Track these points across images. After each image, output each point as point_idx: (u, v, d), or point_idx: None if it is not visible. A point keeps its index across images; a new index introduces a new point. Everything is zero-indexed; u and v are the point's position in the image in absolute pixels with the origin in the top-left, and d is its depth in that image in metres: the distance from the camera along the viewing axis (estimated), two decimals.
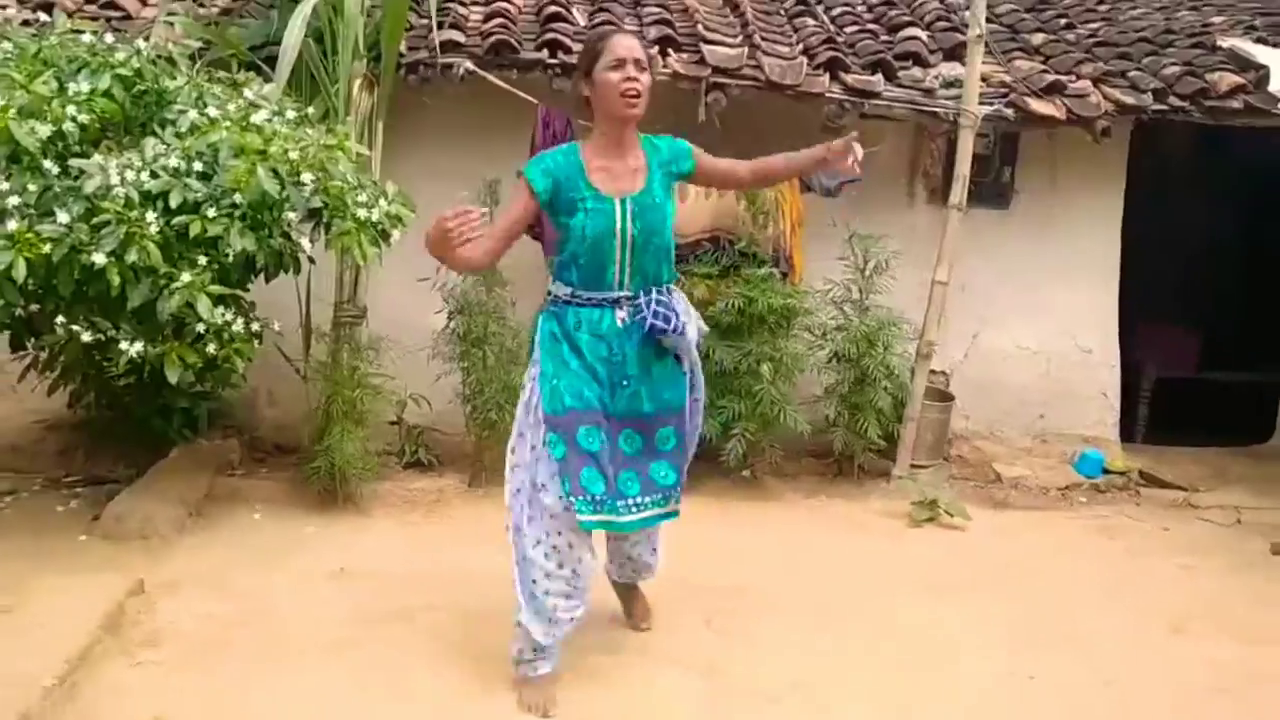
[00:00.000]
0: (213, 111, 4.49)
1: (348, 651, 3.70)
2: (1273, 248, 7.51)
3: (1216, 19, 7.35)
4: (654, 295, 3.30)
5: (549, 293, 3.41)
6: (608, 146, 3.28)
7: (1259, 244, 8.06)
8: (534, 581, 3.27)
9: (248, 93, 4.67)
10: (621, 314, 3.28)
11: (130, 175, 4.13)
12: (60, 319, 4.24)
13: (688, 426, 3.48)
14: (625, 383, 3.31)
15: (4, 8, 5.30)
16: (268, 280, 4.80)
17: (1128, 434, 7.13)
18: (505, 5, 6.17)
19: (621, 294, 3.28)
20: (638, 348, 3.30)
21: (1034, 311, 6.62)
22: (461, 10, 6.14)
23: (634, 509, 3.31)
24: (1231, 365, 7.76)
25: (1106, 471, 6.27)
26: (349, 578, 4.37)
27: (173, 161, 4.25)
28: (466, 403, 5.59)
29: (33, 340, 4.79)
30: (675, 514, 3.45)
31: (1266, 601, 4.60)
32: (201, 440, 5.59)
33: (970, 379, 6.54)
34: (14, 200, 4.05)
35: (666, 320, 3.26)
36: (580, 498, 3.17)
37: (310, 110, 4.99)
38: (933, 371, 6.14)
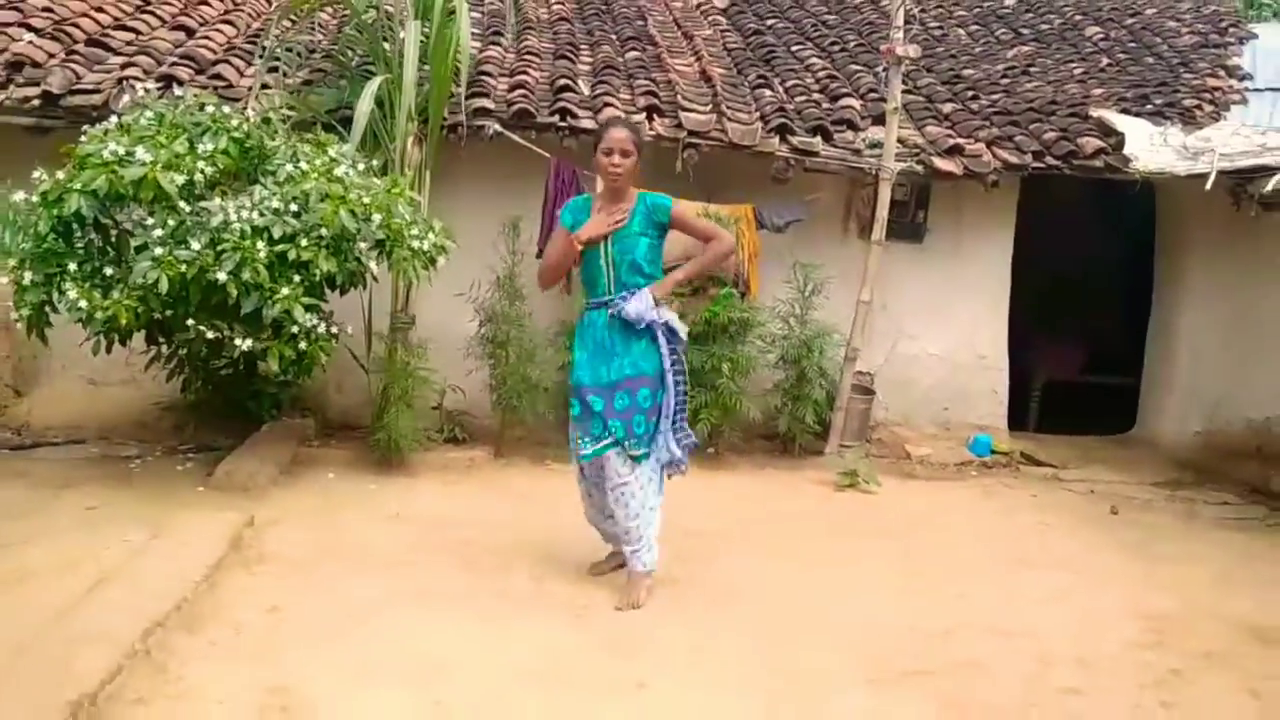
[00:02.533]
0: (304, 165, 5.26)
1: (407, 568, 4.48)
2: (1144, 273, 8.30)
3: (1096, 90, 8.16)
4: (621, 294, 4.12)
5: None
6: (606, 197, 4.24)
7: (1134, 270, 8.85)
8: None
9: (331, 151, 5.45)
10: (611, 311, 4.13)
11: (244, 214, 4.93)
12: (190, 321, 5.02)
13: (666, 390, 4.14)
14: (614, 355, 4.13)
15: (141, 81, 6.05)
16: (341, 294, 5.59)
17: (1022, 425, 7.96)
18: (525, 78, 6.96)
19: (609, 298, 4.15)
20: (620, 332, 4.13)
21: (941, 325, 7.44)
22: (491, 81, 6.91)
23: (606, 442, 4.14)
24: (1109, 370, 8.57)
25: (994, 452, 7.08)
26: (403, 520, 5.15)
27: (274, 204, 5.03)
28: (493, 391, 6.38)
29: (162, 339, 5.58)
30: (635, 457, 4.13)
31: (1094, 547, 5.40)
32: (285, 419, 6.40)
33: (889, 378, 7.33)
34: (158, 232, 4.85)
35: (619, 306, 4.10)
36: (582, 439, 4.19)
37: (375, 163, 5.78)
38: (859, 372, 6.94)
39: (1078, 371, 8.67)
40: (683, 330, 4.23)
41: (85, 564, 4.08)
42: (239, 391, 6.24)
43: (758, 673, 3.67)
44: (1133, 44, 9.65)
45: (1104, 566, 5.09)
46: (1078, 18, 10.38)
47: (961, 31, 9.90)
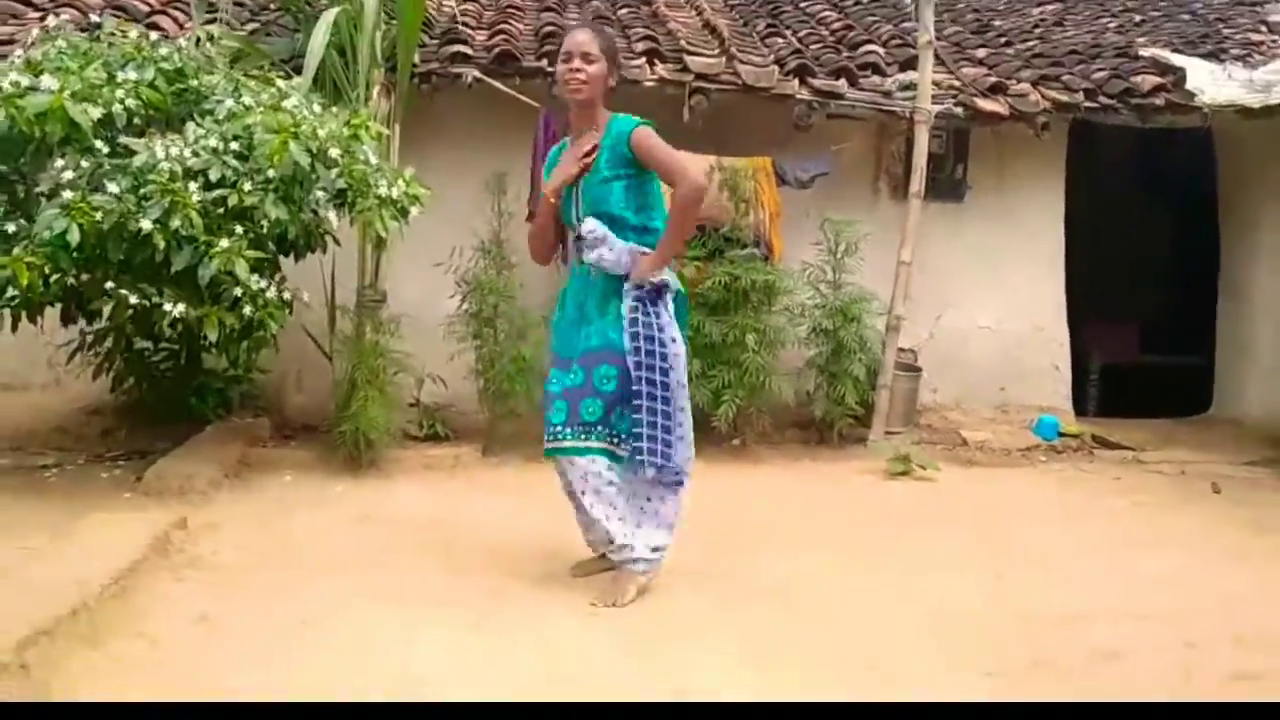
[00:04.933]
0: (248, 100, 4.49)
1: (376, 569, 3.66)
2: (1201, 241, 7.59)
3: (1139, 39, 7.49)
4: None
5: None
6: (574, 132, 3.49)
7: (1190, 238, 8.11)
8: None
9: (279, 83, 4.68)
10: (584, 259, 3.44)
11: (174, 151, 4.15)
12: (109, 284, 4.20)
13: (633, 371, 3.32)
14: (586, 321, 3.43)
15: (58, 15, 5.30)
16: (297, 259, 4.82)
17: (1080, 411, 7.14)
18: (507, 28, 6.23)
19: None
20: (599, 291, 3.41)
21: (990, 294, 6.61)
22: (469, 31, 6.18)
23: (558, 437, 3.41)
24: (1167, 349, 7.81)
25: (1062, 435, 6.27)
26: (373, 521, 4.32)
27: (212, 142, 4.27)
28: (479, 378, 5.57)
29: (81, 315, 4.75)
30: (607, 454, 3.39)
31: (1209, 524, 4.62)
32: (234, 419, 5.56)
33: (936, 356, 6.51)
34: (68, 175, 4.07)
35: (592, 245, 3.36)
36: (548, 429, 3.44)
37: (334, 108, 5.00)
38: (901, 349, 6.15)
39: (1136, 352, 7.88)
40: (675, 284, 3.45)
41: None
42: (180, 388, 5.42)
43: (840, 669, 2.87)
44: (1164, 1, 9.04)
45: (1225, 543, 4.32)
46: None
47: None
